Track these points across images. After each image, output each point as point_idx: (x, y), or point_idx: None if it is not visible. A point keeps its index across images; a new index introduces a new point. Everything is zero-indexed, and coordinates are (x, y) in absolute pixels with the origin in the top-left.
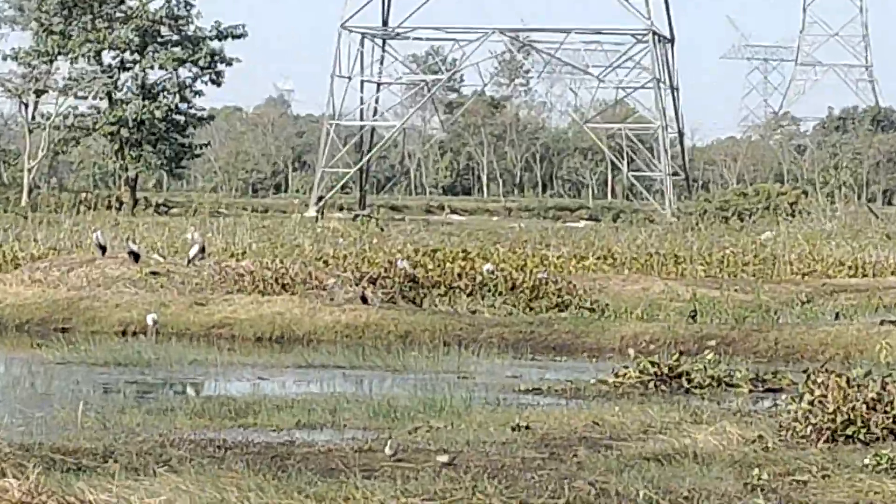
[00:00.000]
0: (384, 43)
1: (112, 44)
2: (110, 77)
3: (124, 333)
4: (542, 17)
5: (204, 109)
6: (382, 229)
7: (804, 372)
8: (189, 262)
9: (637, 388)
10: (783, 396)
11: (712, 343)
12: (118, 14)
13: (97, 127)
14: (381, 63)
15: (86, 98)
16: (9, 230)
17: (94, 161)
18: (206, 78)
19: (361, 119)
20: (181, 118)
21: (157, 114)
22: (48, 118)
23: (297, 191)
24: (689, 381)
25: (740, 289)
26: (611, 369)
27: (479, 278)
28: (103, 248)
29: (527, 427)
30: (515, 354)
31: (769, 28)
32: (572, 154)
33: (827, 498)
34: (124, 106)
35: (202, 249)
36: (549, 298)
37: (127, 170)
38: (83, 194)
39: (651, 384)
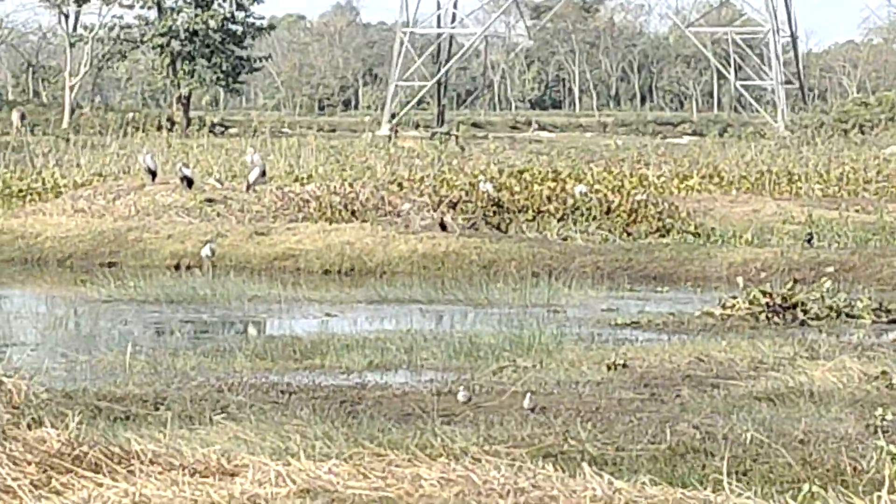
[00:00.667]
0: None
1: None
2: None
3: (177, 267)
4: None
5: (263, 18)
6: (463, 148)
7: None
8: (248, 187)
9: (747, 320)
10: None
11: (830, 270)
12: None
13: (145, 39)
14: None
15: (132, 7)
16: (49, 154)
17: (143, 77)
18: None
19: (439, 26)
20: (238, 28)
21: (212, 23)
22: (91, 30)
23: (368, 107)
24: (805, 312)
25: (861, 209)
26: (717, 300)
27: (570, 201)
28: (153, 173)
29: (624, 365)
30: (611, 285)
31: None
32: (673, 62)
33: None
34: (175, 15)
35: (263, 173)
36: (648, 223)
37: (178, 86)
38: (130, 114)
39: (762, 316)
